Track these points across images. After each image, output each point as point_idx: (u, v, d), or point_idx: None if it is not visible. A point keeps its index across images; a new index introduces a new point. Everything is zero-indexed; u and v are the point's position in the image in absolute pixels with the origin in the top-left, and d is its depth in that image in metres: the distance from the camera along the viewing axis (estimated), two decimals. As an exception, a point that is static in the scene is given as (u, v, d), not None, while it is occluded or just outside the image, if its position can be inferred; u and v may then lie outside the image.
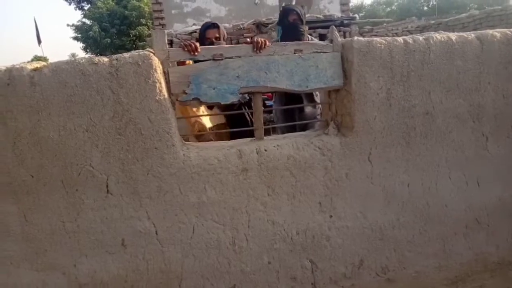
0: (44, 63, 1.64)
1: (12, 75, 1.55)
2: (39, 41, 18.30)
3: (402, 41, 1.91)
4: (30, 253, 1.66)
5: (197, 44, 1.81)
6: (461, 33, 2.03)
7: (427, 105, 1.95)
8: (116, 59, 1.62)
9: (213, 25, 2.49)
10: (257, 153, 1.84)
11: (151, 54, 1.65)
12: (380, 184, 1.99)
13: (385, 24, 10.65)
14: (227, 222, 1.84)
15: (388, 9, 33.81)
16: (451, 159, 2.06)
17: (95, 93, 1.60)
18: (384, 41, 1.88)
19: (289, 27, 2.76)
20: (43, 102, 1.57)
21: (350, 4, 12.07)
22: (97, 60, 1.59)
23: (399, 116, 1.93)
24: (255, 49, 1.86)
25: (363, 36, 8.43)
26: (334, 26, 2.10)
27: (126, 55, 1.63)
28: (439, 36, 1.97)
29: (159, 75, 1.66)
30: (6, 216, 1.62)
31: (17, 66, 1.60)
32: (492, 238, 2.18)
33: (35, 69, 1.58)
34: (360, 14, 29.44)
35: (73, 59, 1.64)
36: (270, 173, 1.85)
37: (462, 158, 2.07)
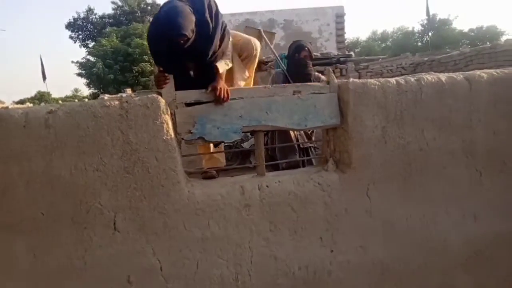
0: (58, 105, 1.74)
1: (28, 118, 1.65)
2: (44, 78, 18.84)
3: (395, 82, 2.03)
4: (38, 290, 1.68)
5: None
6: (450, 74, 2.16)
7: (421, 142, 2.04)
8: (127, 102, 1.72)
9: None
10: (259, 189, 1.91)
11: (159, 97, 1.76)
12: (379, 219, 2.04)
13: (380, 60, 11.01)
14: (230, 257, 1.88)
15: (383, 44, 34.94)
16: (447, 193, 2.12)
17: (106, 134, 1.69)
18: (378, 82, 2.00)
19: (299, 63, 2.95)
20: (56, 142, 1.65)
21: (346, 42, 12.54)
22: (108, 103, 1.70)
23: (394, 153, 2.02)
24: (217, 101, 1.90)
25: (359, 72, 8.74)
26: (330, 68, 2.24)
27: (136, 98, 1.74)
28: (429, 77, 2.09)
29: (166, 116, 1.76)
30: (15, 253, 1.66)
31: (33, 109, 1.71)
32: (493, 271, 2.20)
33: (50, 112, 1.68)
34: (356, 50, 30.41)
35: (85, 101, 1.75)
36: (272, 208, 1.91)
37: (458, 192, 2.14)
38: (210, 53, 2.20)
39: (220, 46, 2.28)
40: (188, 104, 1.91)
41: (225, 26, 2.36)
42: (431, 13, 24.66)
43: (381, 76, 8.97)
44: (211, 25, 2.16)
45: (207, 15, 2.13)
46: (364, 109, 1.96)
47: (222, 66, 2.27)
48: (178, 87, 1.92)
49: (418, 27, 32.89)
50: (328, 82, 2.07)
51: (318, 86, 2.07)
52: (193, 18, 2.04)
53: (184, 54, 2.10)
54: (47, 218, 1.67)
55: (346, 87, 1.98)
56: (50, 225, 1.68)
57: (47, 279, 1.69)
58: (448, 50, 15.20)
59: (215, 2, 2.28)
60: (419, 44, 30.76)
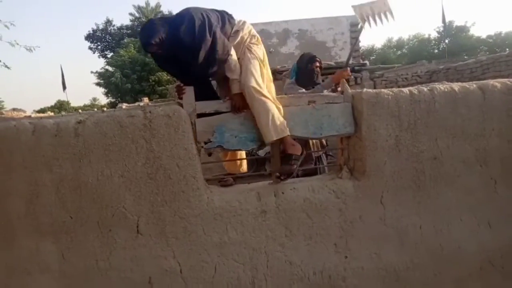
0: (86, 115, 1.86)
1: (59, 127, 1.77)
2: (64, 87, 19.38)
3: (408, 92, 2.07)
4: (66, 289, 1.78)
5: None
6: (463, 84, 2.19)
7: (434, 151, 2.08)
8: (150, 112, 1.82)
9: None
10: (275, 196, 1.98)
11: (180, 108, 1.86)
12: (393, 226, 2.07)
13: (395, 68, 10.97)
14: (247, 261, 1.94)
15: (399, 52, 34.69)
16: (461, 201, 2.14)
17: (130, 142, 1.79)
18: (391, 92, 2.05)
19: (310, 73, 3.05)
20: (84, 150, 1.76)
21: (361, 50, 12.55)
22: (133, 113, 1.80)
23: (408, 161, 2.05)
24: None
25: (374, 81, 8.74)
26: (344, 79, 2.30)
27: (159, 108, 1.84)
28: (442, 87, 2.13)
29: (187, 125, 1.85)
30: (46, 255, 1.76)
31: (64, 119, 1.83)
32: (508, 280, 2.20)
33: (79, 122, 1.80)
34: (371, 58, 30.23)
35: (111, 111, 1.86)
36: (288, 215, 1.97)
37: (472, 200, 2.15)
38: (197, 62, 2.03)
39: (215, 62, 2.07)
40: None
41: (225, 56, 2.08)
42: (447, 20, 24.44)
43: (396, 85, 8.96)
44: (183, 35, 1.97)
45: (183, 28, 1.98)
46: (377, 119, 2.01)
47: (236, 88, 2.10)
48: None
49: (434, 34, 32.61)
50: (342, 92, 2.13)
51: (333, 96, 2.14)
52: (160, 27, 1.97)
53: (171, 63, 2.12)
54: (75, 221, 1.78)
55: (359, 97, 2.03)
56: (78, 228, 1.78)
57: (75, 279, 1.79)
58: (465, 57, 15.03)
59: (203, 17, 2.04)
60: (436, 51, 30.45)
